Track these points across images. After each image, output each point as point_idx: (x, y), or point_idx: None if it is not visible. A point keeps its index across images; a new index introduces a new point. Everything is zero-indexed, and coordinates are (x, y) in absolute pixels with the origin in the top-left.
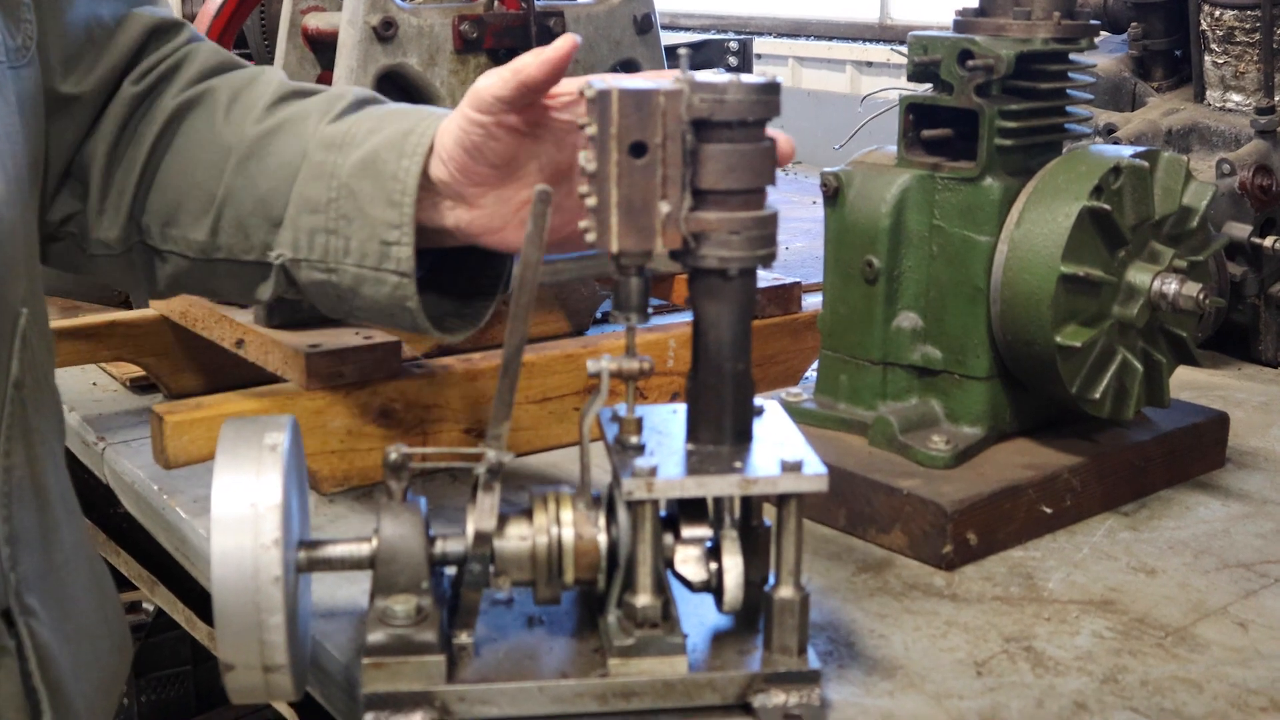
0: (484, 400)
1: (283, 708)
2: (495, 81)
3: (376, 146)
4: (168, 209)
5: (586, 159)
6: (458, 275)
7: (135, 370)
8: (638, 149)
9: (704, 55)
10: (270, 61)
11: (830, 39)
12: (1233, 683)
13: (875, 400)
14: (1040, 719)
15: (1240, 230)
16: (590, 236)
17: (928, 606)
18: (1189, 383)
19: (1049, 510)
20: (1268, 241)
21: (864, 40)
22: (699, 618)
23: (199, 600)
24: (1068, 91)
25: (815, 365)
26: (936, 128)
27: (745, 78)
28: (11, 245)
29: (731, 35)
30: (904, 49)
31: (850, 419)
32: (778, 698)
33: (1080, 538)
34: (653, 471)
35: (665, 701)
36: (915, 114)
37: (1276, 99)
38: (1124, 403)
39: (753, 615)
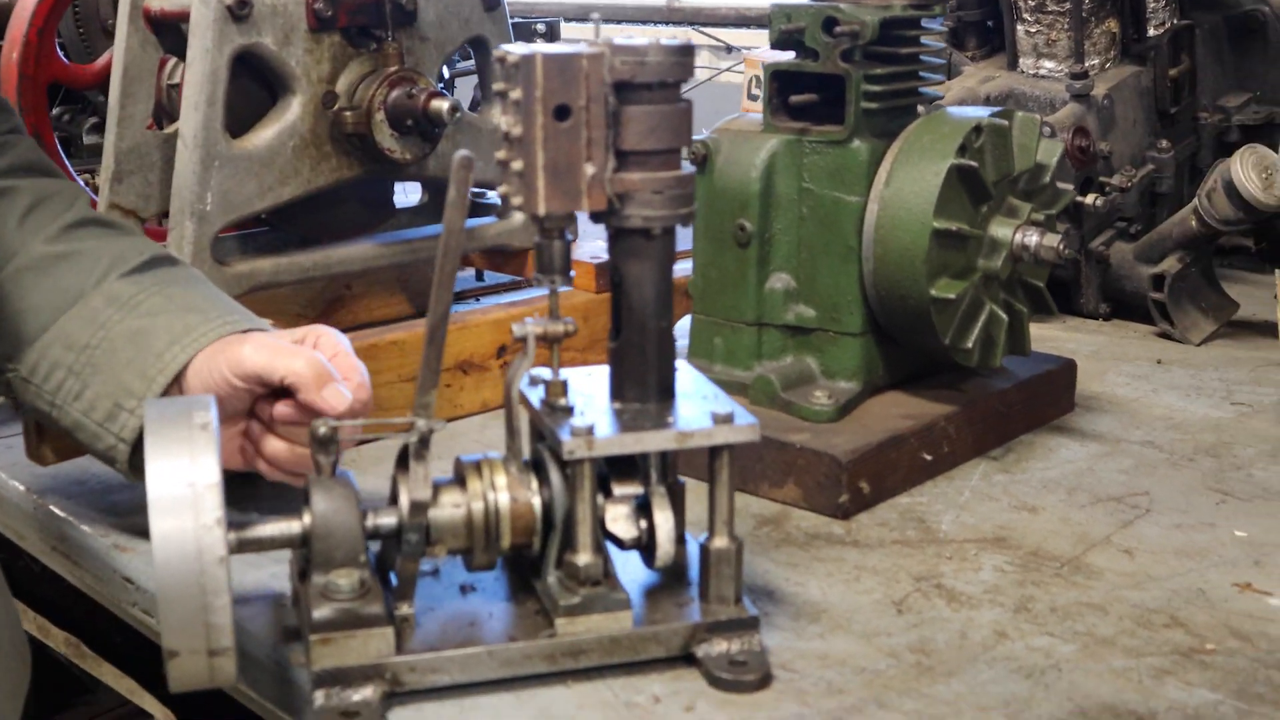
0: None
1: (154, 707)
2: (265, 364)
3: (157, 325)
4: None
5: (510, 124)
6: None
7: None
8: (562, 112)
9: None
10: (93, 52)
11: (619, 22)
12: (1133, 604)
13: (751, 361)
14: (967, 649)
15: (1063, 189)
16: (515, 200)
17: (834, 554)
18: None
19: (929, 457)
20: (1088, 199)
21: (653, 23)
22: (627, 575)
23: (50, 607)
24: (921, 57)
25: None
26: (800, 94)
27: (663, 40)
28: None
29: (535, 19)
30: (707, 29)
31: (728, 380)
32: (720, 646)
33: (959, 482)
34: (590, 430)
35: (612, 657)
36: (779, 81)
37: (1087, 64)
38: (991, 351)
39: (678, 569)
